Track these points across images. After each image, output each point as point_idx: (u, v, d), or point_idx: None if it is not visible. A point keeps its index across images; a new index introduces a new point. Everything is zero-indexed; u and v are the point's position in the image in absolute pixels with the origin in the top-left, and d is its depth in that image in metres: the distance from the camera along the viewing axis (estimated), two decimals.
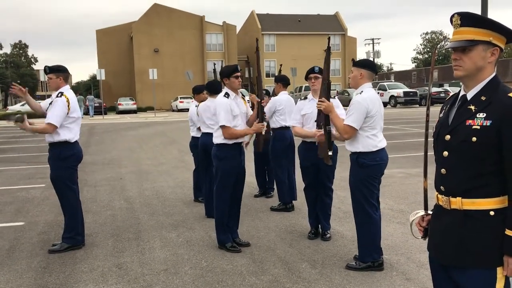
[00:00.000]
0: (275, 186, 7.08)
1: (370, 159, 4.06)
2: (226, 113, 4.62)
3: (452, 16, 2.03)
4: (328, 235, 5.09)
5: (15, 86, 5.05)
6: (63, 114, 4.74)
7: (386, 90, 34.56)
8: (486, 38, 1.95)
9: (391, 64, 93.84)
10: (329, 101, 4.27)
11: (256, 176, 7.37)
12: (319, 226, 5.19)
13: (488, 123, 1.91)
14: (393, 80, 48.93)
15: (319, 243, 5.00)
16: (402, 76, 57.59)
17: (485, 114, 1.92)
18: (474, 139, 1.92)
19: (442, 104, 2.23)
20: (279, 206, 6.42)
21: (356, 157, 4.13)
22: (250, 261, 4.52)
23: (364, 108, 3.99)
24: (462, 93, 2.07)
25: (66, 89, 4.88)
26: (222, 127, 4.64)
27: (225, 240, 4.84)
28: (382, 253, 4.29)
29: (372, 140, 4.07)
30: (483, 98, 1.97)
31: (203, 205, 6.41)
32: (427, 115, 2.22)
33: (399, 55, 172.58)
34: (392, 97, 34.08)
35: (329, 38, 4.65)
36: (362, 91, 4.09)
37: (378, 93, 31.25)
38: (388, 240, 4.90)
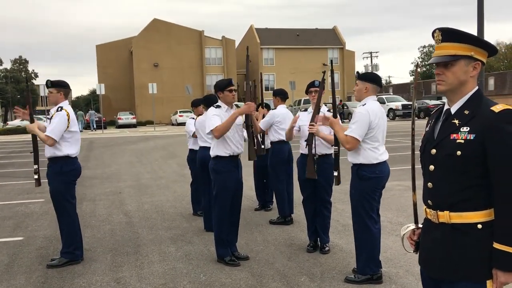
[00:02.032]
0: (274, 200, 7.09)
1: (370, 172, 4.07)
2: (214, 120, 4.64)
3: (434, 31, 2.06)
4: (327, 248, 5.09)
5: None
6: (62, 128, 4.76)
7: (384, 103, 34.64)
8: (467, 53, 1.99)
9: (389, 77, 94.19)
10: (335, 116, 4.37)
11: (255, 190, 7.38)
12: (318, 239, 5.19)
13: (472, 137, 1.92)
14: (392, 93, 49.10)
15: (318, 256, 4.99)
16: (400, 89, 57.77)
17: (468, 128, 1.94)
18: (458, 153, 1.94)
19: (428, 118, 2.26)
20: (278, 219, 6.42)
21: (356, 169, 4.14)
22: (249, 274, 4.52)
23: (366, 119, 3.99)
24: (446, 107, 2.10)
25: (65, 104, 4.92)
26: (211, 132, 4.66)
27: (224, 254, 4.84)
28: (381, 266, 4.28)
29: (373, 153, 4.07)
30: (466, 112, 1.99)
31: (202, 218, 6.41)
32: (413, 129, 2.24)
33: (397, 68, 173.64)
34: (390, 110, 34.20)
35: (323, 76, 4.94)
36: (365, 103, 4.12)
37: None
38: (387, 253, 4.90)
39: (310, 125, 4.72)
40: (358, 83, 4.19)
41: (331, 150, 5.00)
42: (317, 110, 4.81)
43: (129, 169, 12.77)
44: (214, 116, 4.66)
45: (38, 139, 4.97)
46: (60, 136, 4.75)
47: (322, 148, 4.98)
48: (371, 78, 4.21)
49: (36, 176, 5.13)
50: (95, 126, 36.88)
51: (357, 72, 4.36)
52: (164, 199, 8.43)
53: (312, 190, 5.08)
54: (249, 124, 4.90)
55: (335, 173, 4.58)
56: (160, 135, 28.88)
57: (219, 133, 4.60)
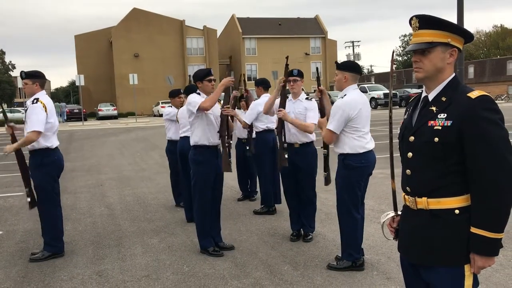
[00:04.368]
0: (258, 189, 7.08)
1: (356, 161, 4.07)
2: (197, 98, 4.64)
3: (411, 19, 2.06)
4: (310, 237, 5.11)
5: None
6: (43, 118, 4.60)
7: (366, 92, 34.92)
8: (444, 40, 1.99)
9: (371, 66, 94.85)
10: (323, 115, 4.48)
11: (238, 180, 7.36)
12: (301, 229, 5.21)
13: (449, 123, 1.93)
14: (374, 82, 49.47)
15: (301, 245, 5.02)
16: (382, 78, 58.24)
17: (446, 115, 1.95)
18: (436, 139, 1.95)
19: (406, 106, 2.26)
20: (261, 209, 6.42)
21: (342, 158, 4.15)
22: (232, 264, 4.52)
23: (343, 112, 3.98)
24: (424, 94, 2.11)
25: (42, 95, 4.77)
26: (199, 108, 4.58)
27: (207, 244, 4.82)
28: (364, 253, 4.33)
29: (359, 142, 4.07)
30: (443, 99, 2.00)
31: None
32: (390, 117, 2.24)
33: (380, 57, 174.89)
34: (372, 99, 34.48)
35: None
36: (345, 94, 4.11)
37: None
38: (369, 240, 4.95)
39: (278, 110, 4.87)
40: (337, 72, 4.17)
41: (311, 138, 5.03)
42: (283, 98, 4.97)
43: (111, 161, 12.64)
44: (196, 96, 4.68)
45: (25, 156, 4.76)
46: (43, 126, 4.59)
47: (301, 137, 4.98)
48: (349, 66, 4.19)
49: (29, 199, 4.91)
50: (65, 118, 36.67)
51: (336, 62, 4.32)
52: (146, 190, 8.36)
53: (293, 182, 5.09)
54: (223, 134, 4.81)
55: (325, 174, 4.65)
56: (141, 126, 28.63)
57: (210, 102, 4.58)
